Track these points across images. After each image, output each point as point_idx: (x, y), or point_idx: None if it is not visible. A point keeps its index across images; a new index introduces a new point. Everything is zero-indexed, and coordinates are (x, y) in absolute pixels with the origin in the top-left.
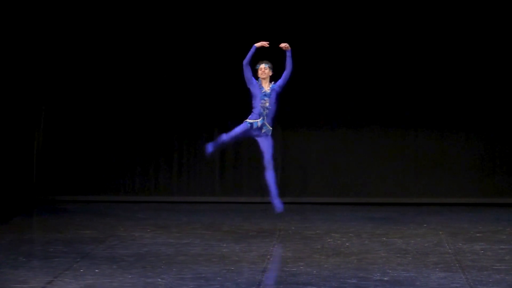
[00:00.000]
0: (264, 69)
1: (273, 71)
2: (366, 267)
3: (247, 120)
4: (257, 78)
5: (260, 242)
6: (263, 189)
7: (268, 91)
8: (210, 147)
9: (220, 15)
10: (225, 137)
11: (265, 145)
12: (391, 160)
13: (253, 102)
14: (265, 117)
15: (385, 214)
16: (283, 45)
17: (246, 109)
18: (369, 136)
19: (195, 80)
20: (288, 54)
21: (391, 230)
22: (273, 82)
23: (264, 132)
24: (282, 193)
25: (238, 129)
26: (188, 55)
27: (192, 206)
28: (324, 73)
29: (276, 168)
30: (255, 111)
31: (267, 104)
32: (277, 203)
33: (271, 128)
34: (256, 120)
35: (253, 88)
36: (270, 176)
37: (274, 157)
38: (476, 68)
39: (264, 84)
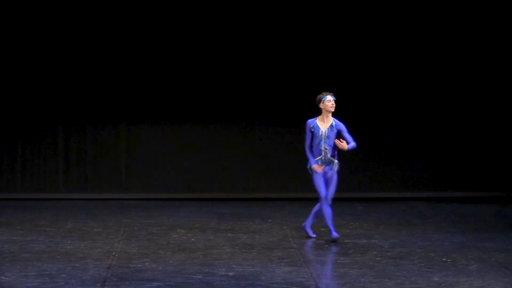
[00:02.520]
0: (333, 101)
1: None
2: (211, 262)
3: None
4: (320, 110)
5: (105, 239)
6: (109, 184)
7: (326, 132)
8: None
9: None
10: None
11: (329, 180)
12: (236, 156)
13: (312, 140)
14: (326, 155)
15: (230, 210)
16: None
17: (90, 107)
18: (215, 132)
19: (39, 79)
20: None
21: (236, 226)
22: (334, 121)
23: (330, 167)
24: (127, 189)
25: (313, 176)
26: (38, 55)
27: (36, 203)
28: (173, 72)
29: (122, 163)
30: (314, 150)
31: (323, 146)
32: (312, 235)
33: (336, 161)
34: (318, 158)
35: (311, 133)
36: (327, 211)
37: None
38: (307, 65)
39: (325, 118)
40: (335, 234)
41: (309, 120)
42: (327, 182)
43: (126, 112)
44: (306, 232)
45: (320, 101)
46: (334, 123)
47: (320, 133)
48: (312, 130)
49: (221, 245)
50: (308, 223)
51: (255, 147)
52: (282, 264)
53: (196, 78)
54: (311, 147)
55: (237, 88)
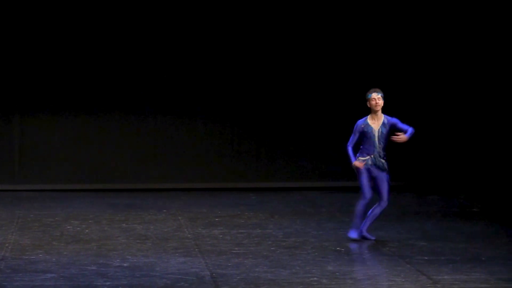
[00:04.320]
0: (377, 99)
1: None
2: (106, 253)
3: (358, 157)
4: (368, 110)
5: None
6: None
7: (380, 130)
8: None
9: None
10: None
11: (380, 181)
12: (131, 146)
13: (362, 139)
14: (376, 155)
15: (125, 200)
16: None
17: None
18: (108, 123)
19: None
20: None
21: (131, 216)
22: (385, 117)
23: (379, 168)
24: (21, 181)
25: (359, 176)
26: None
27: None
28: (67, 63)
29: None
30: (363, 149)
31: (377, 146)
32: (368, 236)
33: (384, 161)
34: (366, 158)
35: (363, 133)
36: (377, 211)
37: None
38: (202, 55)
39: (374, 117)
40: (353, 235)
41: (360, 120)
42: (377, 184)
43: (20, 103)
44: (365, 237)
45: (366, 99)
46: (386, 120)
47: (372, 132)
48: (364, 129)
49: (115, 236)
50: (364, 227)
51: (150, 138)
52: (177, 254)
53: (89, 69)
54: (354, 145)
55: (129, 79)
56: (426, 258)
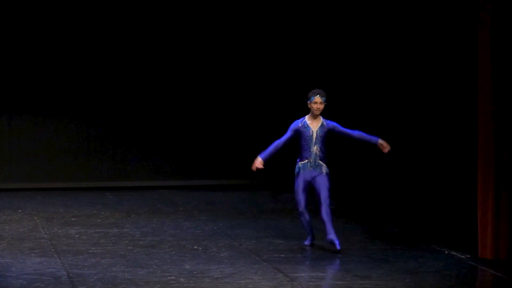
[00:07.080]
0: (319, 103)
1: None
2: None
3: (298, 163)
4: (308, 111)
5: None
6: None
7: (318, 131)
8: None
9: None
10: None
11: (320, 183)
12: None
13: (299, 141)
14: (313, 158)
15: None
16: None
17: None
18: None
19: None
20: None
21: None
22: (324, 120)
23: (318, 171)
24: None
25: (297, 180)
26: None
27: None
28: None
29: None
30: (302, 152)
31: (315, 148)
32: (337, 242)
33: (323, 164)
34: (304, 162)
35: (299, 134)
36: (326, 213)
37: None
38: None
39: (313, 120)
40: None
41: (297, 120)
42: (315, 187)
43: None
44: (334, 244)
45: (308, 99)
46: (324, 123)
47: (310, 133)
48: (301, 130)
49: None
50: (331, 234)
51: (4, 137)
52: (33, 254)
53: None
54: (283, 145)
55: None
56: (283, 255)
